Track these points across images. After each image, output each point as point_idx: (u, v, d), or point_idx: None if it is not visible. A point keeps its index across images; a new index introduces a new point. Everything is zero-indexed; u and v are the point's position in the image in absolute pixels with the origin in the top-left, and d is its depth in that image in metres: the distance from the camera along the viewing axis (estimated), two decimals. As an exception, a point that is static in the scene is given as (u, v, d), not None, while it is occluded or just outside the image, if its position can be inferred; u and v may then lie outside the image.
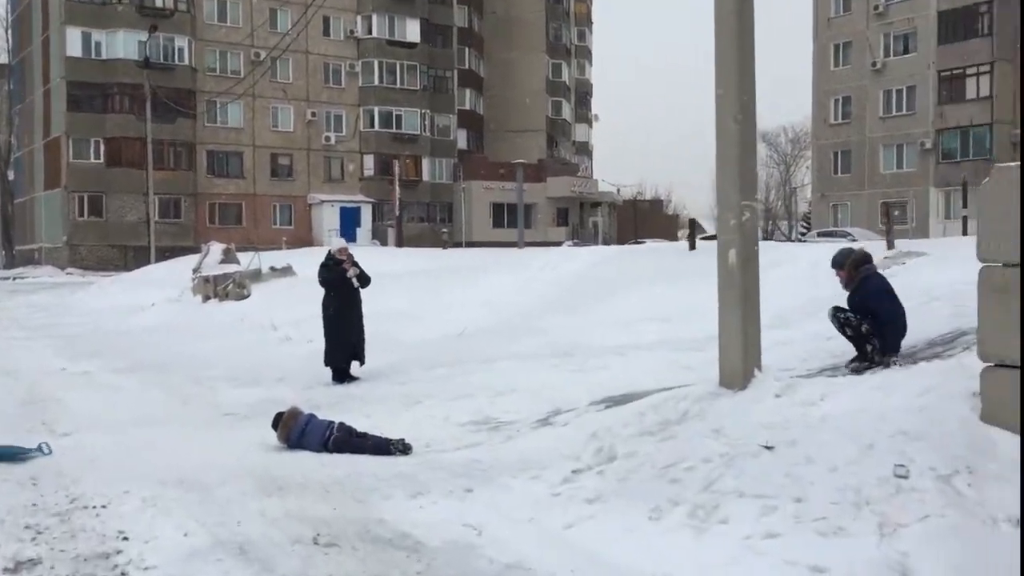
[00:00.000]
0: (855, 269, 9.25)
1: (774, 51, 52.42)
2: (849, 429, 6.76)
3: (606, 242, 58.56)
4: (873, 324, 8.80)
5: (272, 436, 8.54)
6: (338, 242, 13.01)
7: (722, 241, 8.04)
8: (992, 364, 6.57)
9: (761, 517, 5.81)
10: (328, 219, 57.53)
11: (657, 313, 13.75)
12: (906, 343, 9.24)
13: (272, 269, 22.47)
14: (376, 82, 60.96)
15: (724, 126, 8.00)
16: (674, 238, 56.50)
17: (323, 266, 12.41)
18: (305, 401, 10.18)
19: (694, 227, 21.77)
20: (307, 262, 19.63)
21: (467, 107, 67.99)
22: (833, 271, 9.49)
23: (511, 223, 55.62)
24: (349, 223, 57.14)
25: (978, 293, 6.71)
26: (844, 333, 9.07)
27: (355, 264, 12.12)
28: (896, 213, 50.34)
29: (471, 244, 53.36)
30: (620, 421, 8.00)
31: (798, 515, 5.83)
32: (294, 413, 8.62)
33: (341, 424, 8.58)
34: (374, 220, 59.73)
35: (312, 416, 8.65)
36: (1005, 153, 49.00)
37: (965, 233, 33.13)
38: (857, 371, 8.57)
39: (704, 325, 10.85)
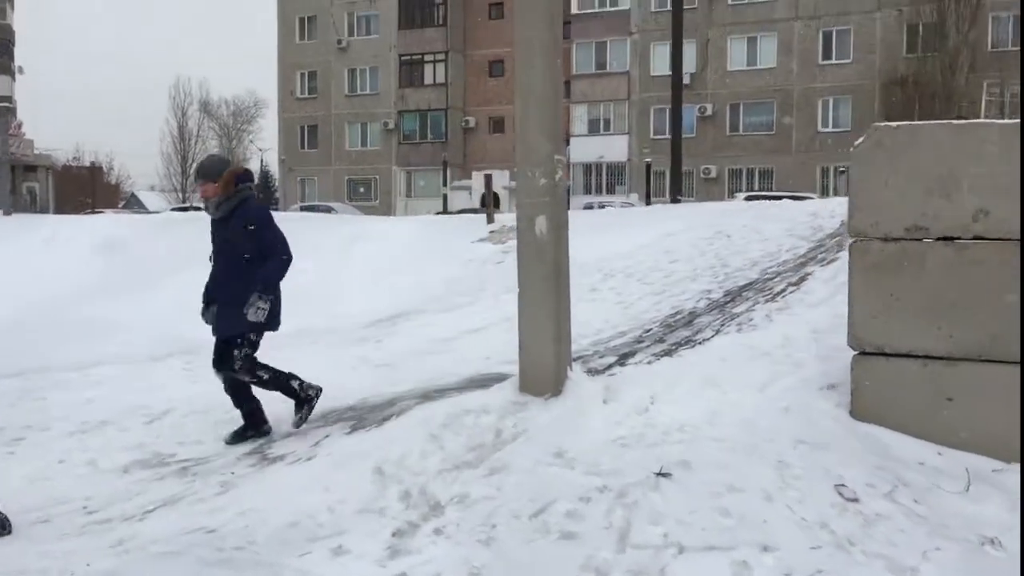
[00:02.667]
0: (234, 184, 6.62)
1: (240, 19, 49.92)
2: (737, 442, 5.53)
3: (43, 210, 51.14)
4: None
5: None
6: None
7: (526, 205, 6.26)
8: (866, 352, 5.75)
9: (743, 582, 4.28)
10: None
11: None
12: (620, 330, 8.28)
13: None
14: None
15: (529, 60, 6.21)
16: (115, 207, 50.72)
17: None
18: None
19: (492, 192, 18.37)
20: None
21: None
22: (199, 183, 6.67)
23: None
24: None
25: (850, 272, 5.86)
26: (258, 381, 6.83)
27: None
28: (361, 190, 51.52)
29: None
30: (407, 449, 5.84)
31: (788, 570, 4.37)
32: None
33: None
34: None
35: None
36: (456, 137, 52.60)
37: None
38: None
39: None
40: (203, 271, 6.76)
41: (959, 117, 38.68)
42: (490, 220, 15.19)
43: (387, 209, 49.78)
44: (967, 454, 5.50)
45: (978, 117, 37.23)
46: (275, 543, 5.00)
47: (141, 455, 6.56)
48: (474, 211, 30.47)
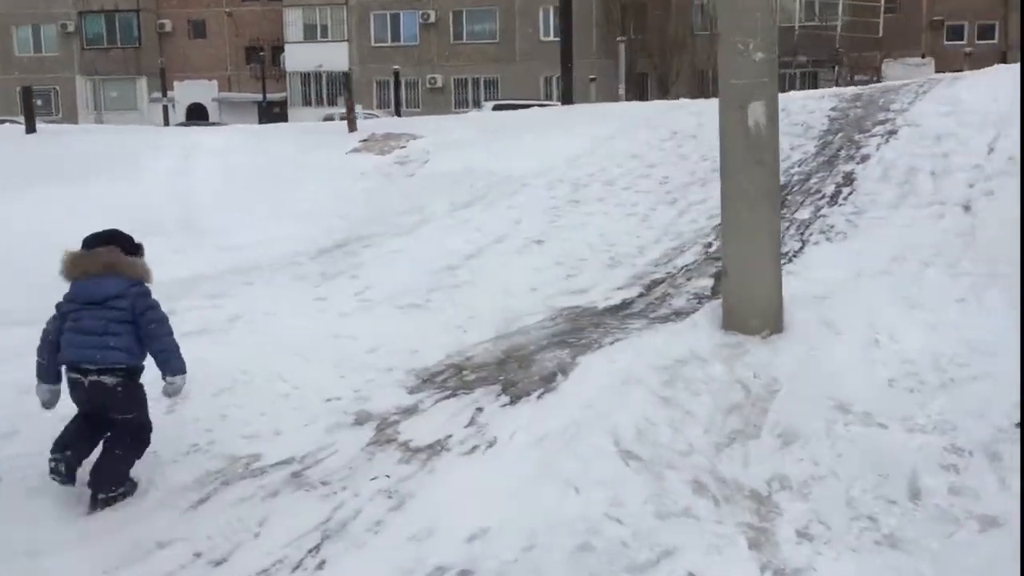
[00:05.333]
0: None
1: None
2: None
3: None
4: None
5: None
6: None
7: (735, 88, 4.77)
8: None
9: None
10: None
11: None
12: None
13: None
14: None
15: None
16: None
17: None
18: None
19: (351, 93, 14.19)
20: None
21: None
22: None
23: None
24: None
25: None
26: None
27: None
28: (39, 103, 44.71)
29: None
30: (638, 419, 4.35)
31: None
32: None
33: None
34: None
35: None
36: (151, 43, 47.27)
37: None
38: None
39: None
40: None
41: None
42: (353, 127, 12.95)
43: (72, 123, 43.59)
44: None
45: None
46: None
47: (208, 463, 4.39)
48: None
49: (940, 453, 4.05)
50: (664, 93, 39.72)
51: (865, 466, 4.01)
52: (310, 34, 46.55)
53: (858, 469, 4.00)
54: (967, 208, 6.94)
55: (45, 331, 4.26)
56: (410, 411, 4.84)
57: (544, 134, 11.05)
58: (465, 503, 3.94)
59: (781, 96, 11.20)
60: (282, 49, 46.45)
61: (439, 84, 45.68)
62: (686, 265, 6.91)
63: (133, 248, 4.44)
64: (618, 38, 31.80)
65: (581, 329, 5.65)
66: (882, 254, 6.27)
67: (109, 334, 4.17)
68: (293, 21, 46.25)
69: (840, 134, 9.17)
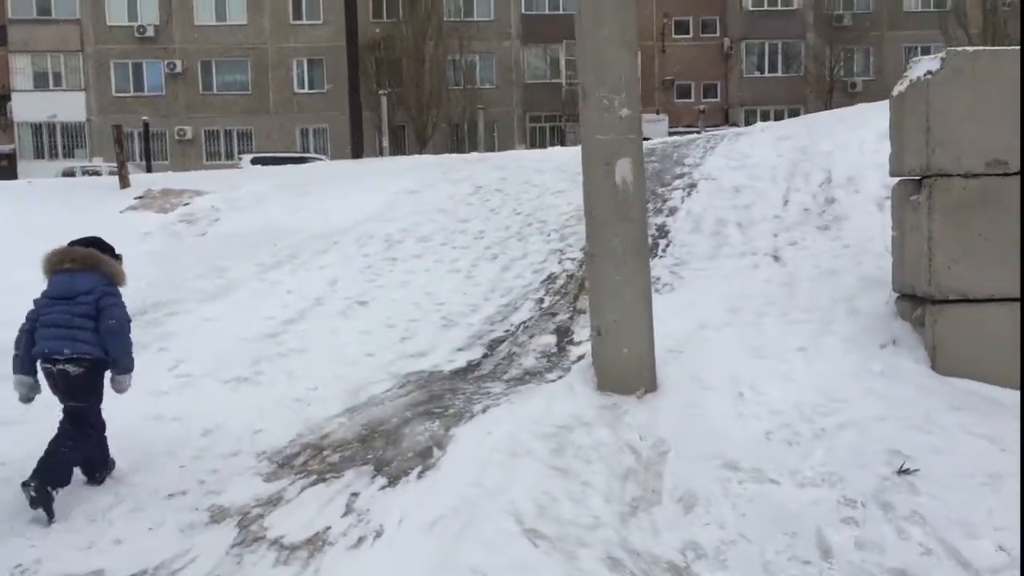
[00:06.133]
0: None
1: None
2: (894, 415, 4.77)
3: None
4: None
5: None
6: None
7: (601, 144, 4.74)
8: (949, 300, 5.36)
9: None
10: None
11: None
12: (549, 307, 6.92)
13: None
14: None
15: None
16: None
17: None
18: None
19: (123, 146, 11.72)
20: None
21: None
22: None
23: None
24: None
25: (928, 214, 5.42)
26: None
27: None
28: None
29: None
30: (536, 494, 4.12)
31: None
32: None
33: None
34: None
35: None
36: None
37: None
38: None
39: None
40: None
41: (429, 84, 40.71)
42: (125, 183, 11.77)
43: None
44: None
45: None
46: None
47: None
48: None
49: (836, 507, 4.07)
50: (422, 146, 40.10)
51: (770, 526, 3.96)
52: (41, 82, 43.32)
53: (764, 530, 3.94)
54: (776, 258, 7.26)
55: (22, 326, 4.52)
56: (273, 502, 4.31)
57: (342, 188, 10.63)
58: (364, 606, 3.51)
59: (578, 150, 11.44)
60: (8, 97, 42.86)
61: (188, 136, 43.76)
62: (523, 322, 6.76)
63: (112, 254, 4.75)
64: (380, 91, 31.75)
65: (439, 397, 5.32)
66: (717, 306, 6.40)
67: (75, 328, 4.44)
68: (21, 68, 42.88)
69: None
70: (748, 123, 40.23)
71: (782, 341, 5.73)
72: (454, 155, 15.58)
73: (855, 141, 9.20)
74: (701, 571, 3.70)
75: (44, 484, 4.16)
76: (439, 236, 8.69)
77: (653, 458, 4.39)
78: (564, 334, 6.43)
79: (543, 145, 42.25)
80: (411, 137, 41.02)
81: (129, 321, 4.66)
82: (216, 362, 6.19)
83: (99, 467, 4.56)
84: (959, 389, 5.18)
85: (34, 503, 4.12)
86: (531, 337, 6.45)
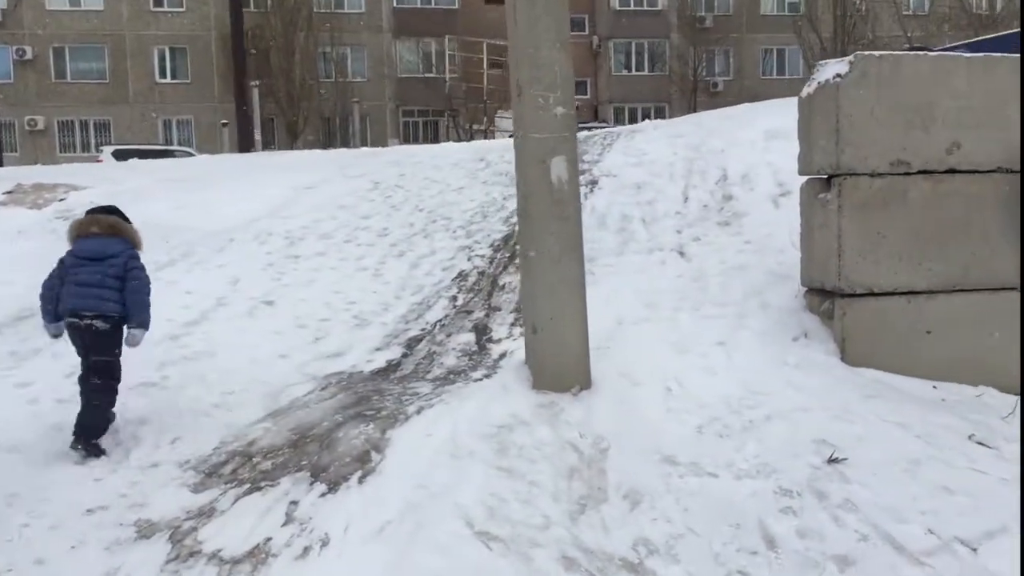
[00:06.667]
0: None
1: None
2: (809, 405, 4.99)
3: None
4: None
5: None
6: None
7: (535, 142, 4.76)
8: (857, 293, 5.63)
9: None
10: None
11: None
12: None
13: None
14: None
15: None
16: None
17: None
18: None
19: None
20: None
21: None
22: None
23: None
24: None
25: (838, 211, 5.68)
26: None
27: None
28: None
29: None
30: (483, 496, 4.11)
31: None
32: None
33: None
34: None
35: None
36: None
37: None
38: None
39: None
40: None
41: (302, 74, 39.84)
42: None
43: None
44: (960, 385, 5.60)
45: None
46: None
47: None
48: None
49: (773, 497, 4.18)
50: (293, 139, 39.28)
51: (714, 519, 4.04)
52: None
53: (709, 523, 4.01)
54: (682, 254, 7.43)
55: (49, 281, 5.04)
56: (205, 513, 4.13)
57: (232, 184, 10.26)
58: (320, 619, 3.40)
59: (476, 145, 11.43)
60: None
61: (40, 126, 41.57)
62: (439, 320, 6.69)
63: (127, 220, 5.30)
64: (252, 83, 30.90)
65: (367, 399, 5.21)
66: (632, 301, 6.50)
67: (105, 287, 4.97)
68: None
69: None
70: (617, 120, 41.06)
71: (699, 335, 5.85)
72: (347, 150, 15.27)
73: (746, 140, 9.50)
74: (655, 566, 3.73)
75: (89, 440, 4.76)
76: (341, 233, 8.51)
77: (595, 455, 4.40)
78: (483, 332, 6.39)
79: (416, 140, 42.05)
80: (281, 130, 40.10)
81: (150, 283, 5.18)
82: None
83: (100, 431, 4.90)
84: (868, 379, 5.42)
85: (87, 455, 4.69)
86: (449, 336, 6.39)
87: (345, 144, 37.05)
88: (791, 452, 4.50)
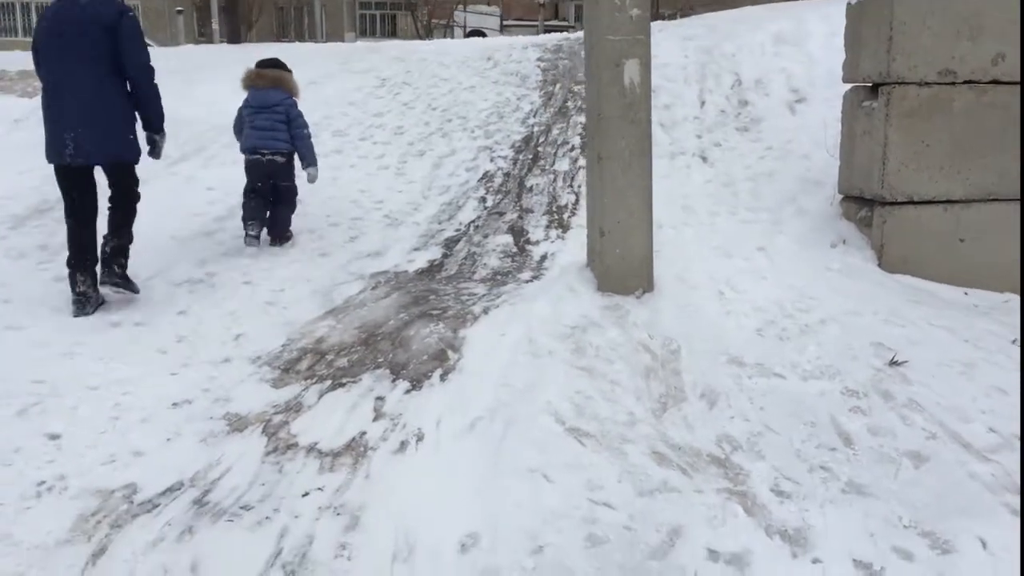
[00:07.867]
0: None
1: None
2: (860, 311, 5.15)
3: None
4: None
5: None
6: None
7: (608, 45, 4.73)
8: (898, 201, 5.76)
9: None
10: None
11: None
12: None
13: None
14: None
15: None
16: None
17: None
18: None
19: None
20: None
21: None
22: None
23: None
24: None
25: (885, 120, 5.75)
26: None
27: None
28: None
29: None
30: (567, 393, 4.22)
31: None
32: None
33: None
34: None
35: None
36: None
37: None
38: None
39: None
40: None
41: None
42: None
43: None
44: (987, 291, 5.81)
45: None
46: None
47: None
48: None
49: (841, 397, 4.34)
50: (248, 29, 38.05)
51: (788, 417, 4.18)
52: None
53: (785, 421, 4.15)
54: (704, 159, 7.47)
55: (236, 119, 6.55)
56: (293, 408, 4.17)
57: (231, 76, 9.95)
58: (430, 510, 3.49)
59: (479, 43, 11.18)
60: None
61: (-19, 9, 39.77)
62: (472, 221, 6.69)
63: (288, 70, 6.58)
64: (206, -34, 29.73)
65: (423, 298, 5.24)
66: (668, 206, 6.55)
67: (276, 130, 6.30)
68: None
69: (558, 84, 9.39)
70: (577, 18, 40.27)
71: (740, 241, 5.95)
72: (347, 44, 14.83)
73: (756, 44, 9.46)
74: (742, 462, 3.87)
75: (283, 231, 6.31)
76: (355, 131, 8.38)
77: (667, 356, 4.51)
78: (519, 234, 6.41)
79: (374, 35, 41.00)
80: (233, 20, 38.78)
81: (308, 126, 6.46)
82: (159, 263, 5.82)
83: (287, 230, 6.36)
84: (907, 285, 5.59)
85: (273, 243, 6.22)
86: (486, 237, 6.40)
87: (300, 38, 36.00)
88: (850, 355, 4.64)
